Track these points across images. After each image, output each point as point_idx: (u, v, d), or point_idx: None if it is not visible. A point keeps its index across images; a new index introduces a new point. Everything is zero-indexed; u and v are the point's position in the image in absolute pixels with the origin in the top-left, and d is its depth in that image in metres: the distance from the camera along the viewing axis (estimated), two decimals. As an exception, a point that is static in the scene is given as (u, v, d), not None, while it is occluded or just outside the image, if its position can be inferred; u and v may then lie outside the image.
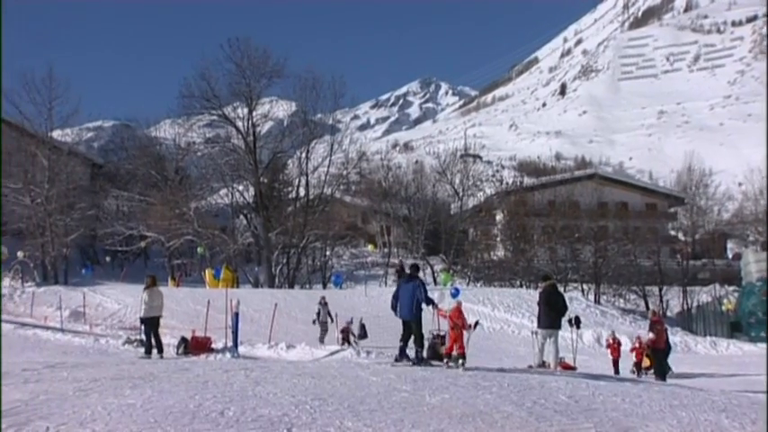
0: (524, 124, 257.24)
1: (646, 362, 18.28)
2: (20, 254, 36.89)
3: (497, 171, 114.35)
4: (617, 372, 17.84)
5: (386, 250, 62.65)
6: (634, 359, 18.84)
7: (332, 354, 16.74)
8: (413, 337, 13.78)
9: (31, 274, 37.37)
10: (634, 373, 18.18)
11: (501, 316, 30.22)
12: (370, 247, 61.70)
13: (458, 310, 13.72)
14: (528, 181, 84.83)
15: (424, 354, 14.24)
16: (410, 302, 13.70)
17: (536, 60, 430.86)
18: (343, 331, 20.18)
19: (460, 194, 59.21)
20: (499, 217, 61.71)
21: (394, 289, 14.75)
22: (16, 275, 34.63)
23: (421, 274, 15.16)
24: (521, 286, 46.15)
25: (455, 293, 28.54)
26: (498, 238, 59.53)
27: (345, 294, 30.81)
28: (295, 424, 6.56)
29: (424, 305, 13.66)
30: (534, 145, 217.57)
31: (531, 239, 55.24)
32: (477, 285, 48.07)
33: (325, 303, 22.00)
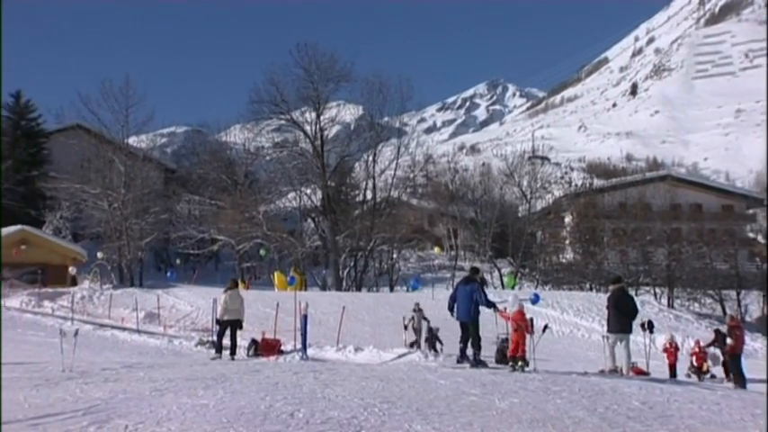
0: (594, 125, 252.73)
1: (705, 366, 17.87)
2: (99, 255, 38.05)
3: (566, 173, 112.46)
4: (672, 376, 17.37)
5: (453, 253, 62.34)
6: (694, 363, 18.32)
7: (399, 357, 16.71)
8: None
9: (108, 276, 38.51)
10: (690, 377, 17.69)
11: (570, 320, 29.70)
12: (436, 250, 61.47)
13: (520, 313, 13.58)
14: (598, 183, 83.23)
15: (485, 356, 14.12)
16: (468, 304, 13.67)
17: (606, 60, 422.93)
18: (428, 339, 20.05)
19: (528, 197, 58.48)
20: (568, 219, 60.74)
21: None
22: (95, 278, 35.70)
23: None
24: (590, 289, 45.31)
25: (535, 299, 28.19)
26: (567, 241, 58.60)
27: (413, 297, 30.70)
28: (364, 426, 6.56)
29: (482, 307, 13.62)
30: (604, 146, 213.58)
31: (600, 242, 54.17)
32: (545, 288, 47.39)
33: (420, 309, 21.63)
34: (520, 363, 12.91)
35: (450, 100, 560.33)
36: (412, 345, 19.66)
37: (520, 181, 60.05)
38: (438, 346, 19.69)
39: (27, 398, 8.27)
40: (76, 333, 13.27)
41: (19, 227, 39.48)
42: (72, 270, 34.85)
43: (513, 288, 37.56)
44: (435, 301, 30.39)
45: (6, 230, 38.89)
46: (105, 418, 6.86)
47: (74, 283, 34.87)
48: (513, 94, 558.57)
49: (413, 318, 21.13)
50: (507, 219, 60.33)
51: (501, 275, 51.81)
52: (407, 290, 40.89)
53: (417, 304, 22.20)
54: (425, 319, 21.11)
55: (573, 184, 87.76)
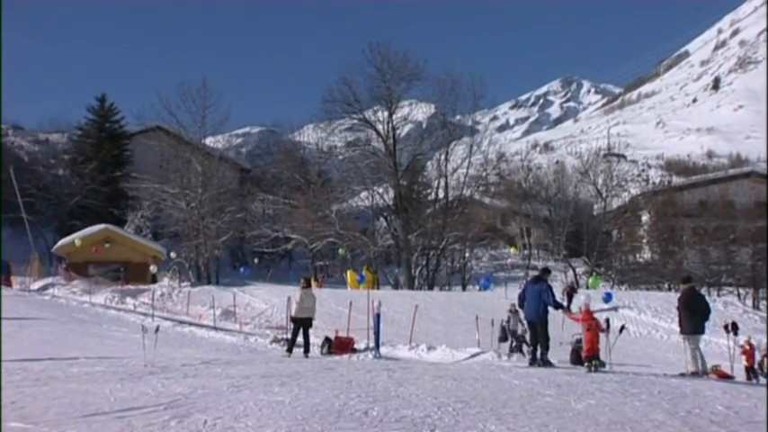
0: (672, 121, 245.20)
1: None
2: (172, 254, 39.05)
3: (643, 170, 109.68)
4: (749, 378, 16.73)
5: (526, 252, 61.66)
6: (744, 362, 17.67)
7: (472, 356, 16.61)
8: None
9: (186, 274, 39.49)
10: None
11: (648, 320, 28.95)
12: (512, 249, 60.94)
13: (588, 312, 13.38)
14: (677, 180, 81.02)
15: (561, 359, 13.98)
16: (537, 304, 13.64)
17: (686, 54, 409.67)
18: (516, 339, 19.75)
19: (604, 195, 57.32)
20: (645, 218, 59.32)
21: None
22: (174, 275, 36.64)
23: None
24: (669, 290, 44.12)
25: (608, 298, 27.64)
26: (644, 240, 57.24)
27: (485, 296, 30.53)
28: (438, 426, 6.56)
29: (551, 308, 13.55)
30: (683, 143, 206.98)
31: (680, 241, 52.73)
32: (621, 288, 46.39)
33: (516, 311, 20.75)
34: (594, 362, 12.70)
35: (523, 97, 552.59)
36: (512, 350, 18.88)
37: (595, 179, 58.93)
38: (525, 348, 19.32)
39: (112, 391, 8.57)
40: (157, 329, 13.66)
41: (103, 226, 40.90)
42: (153, 268, 35.88)
43: (596, 289, 36.87)
44: (508, 301, 30.11)
45: (91, 229, 40.35)
46: (185, 413, 7.06)
47: (154, 280, 35.89)
48: (588, 91, 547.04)
49: (509, 319, 20.51)
50: (582, 217, 59.33)
51: (576, 275, 50.97)
52: (479, 289, 40.65)
53: (513, 305, 21.36)
54: (522, 321, 20.35)
55: (650, 181, 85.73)
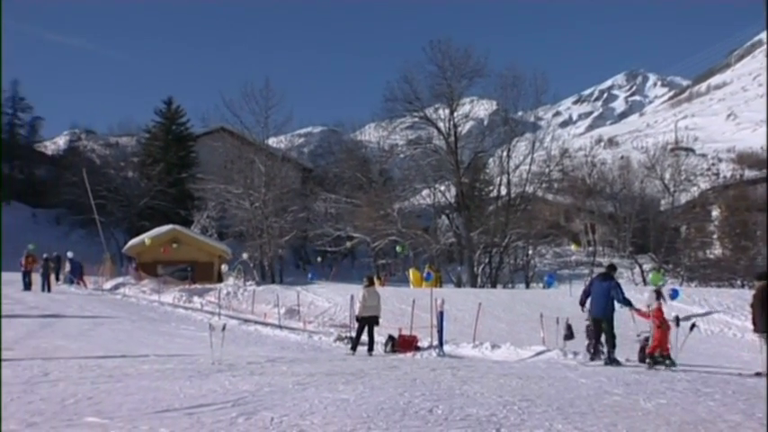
0: (744, 113, 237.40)
1: None
2: (244, 255, 39.68)
3: (713, 164, 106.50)
4: None
5: (590, 249, 60.67)
6: None
7: (537, 354, 16.43)
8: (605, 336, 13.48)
9: (251, 273, 40.04)
10: None
11: (720, 318, 28.12)
12: (573, 246, 59.99)
13: (659, 309, 13.09)
14: (749, 174, 78.55)
15: (631, 359, 13.70)
16: (604, 301, 13.45)
17: (760, 43, 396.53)
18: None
19: (671, 190, 55.97)
20: (716, 213, 57.69)
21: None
22: (239, 275, 37.23)
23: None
24: (742, 286, 42.74)
25: (674, 295, 26.93)
26: (715, 236, 55.68)
27: (549, 294, 30.11)
28: (503, 424, 6.50)
29: (617, 305, 13.35)
30: (756, 135, 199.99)
31: (753, 236, 51.08)
32: (690, 285, 45.19)
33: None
34: (667, 361, 12.43)
35: (586, 92, 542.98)
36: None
37: (662, 174, 57.61)
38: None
39: (182, 388, 8.76)
40: (224, 328, 13.92)
41: (170, 226, 41.84)
42: (224, 267, 36.54)
43: (657, 285, 35.99)
44: (573, 299, 29.62)
45: (159, 230, 41.34)
46: (252, 410, 7.17)
47: (220, 279, 36.53)
48: (654, 84, 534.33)
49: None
50: (648, 213, 58.08)
51: (642, 271, 49.93)
52: (543, 287, 40.16)
53: None
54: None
55: (721, 175, 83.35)
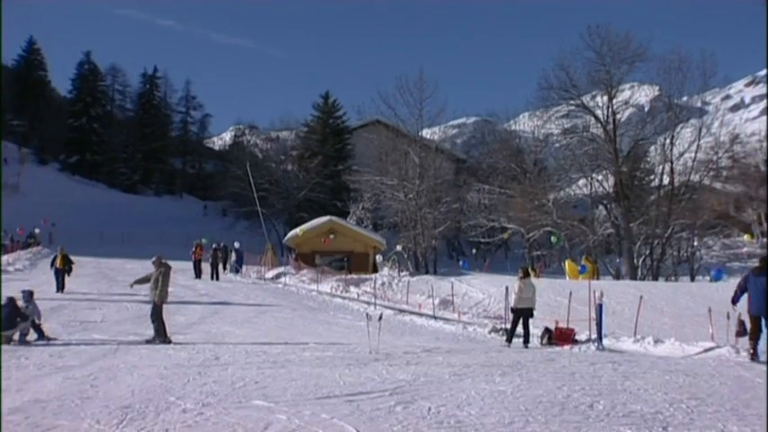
0: None
1: None
2: (399, 246, 40.28)
3: None
4: None
5: (764, 240, 56.73)
6: None
7: (706, 351, 15.54)
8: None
9: (405, 263, 40.58)
10: None
11: None
12: (746, 237, 56.26)
13: None
14: None
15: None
16: (764, 297, 12.51)
17: None
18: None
19: None
20: None
21: None
22: (393, 265, 37.80)
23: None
24: None
25: None
26: None
27: (717, 288, 28.40)
28: (670, 423, 6.21)
29: None
30: None
31: None
32: None
33: None
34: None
35: (761, 73, 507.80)
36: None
37: None
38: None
39: (341, 376, 9.01)
40: (381, 317, 14.17)
41: (328, 218, 43.21)
42: (378, 258, 37.27)
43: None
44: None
45: (317, 221, 42.80)
46: (410, 399, 7.25)
47: (375, 270, 37.24)
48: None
49: None
50: (831, 201, 53.55)
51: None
52: (710, 280, 37.98)
53: None
54: None
55: None
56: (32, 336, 13.75)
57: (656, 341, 16.78)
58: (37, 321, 14.07)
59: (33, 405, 7.47)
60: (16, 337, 13.46)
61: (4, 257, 38.41)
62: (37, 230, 49.97)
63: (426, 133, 53.03)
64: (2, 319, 13.18)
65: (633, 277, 40.19)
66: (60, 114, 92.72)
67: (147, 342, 13.70)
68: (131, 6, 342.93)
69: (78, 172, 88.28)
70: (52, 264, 25.12)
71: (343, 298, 28.02)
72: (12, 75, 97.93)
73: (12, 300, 13.75)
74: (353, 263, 39.02)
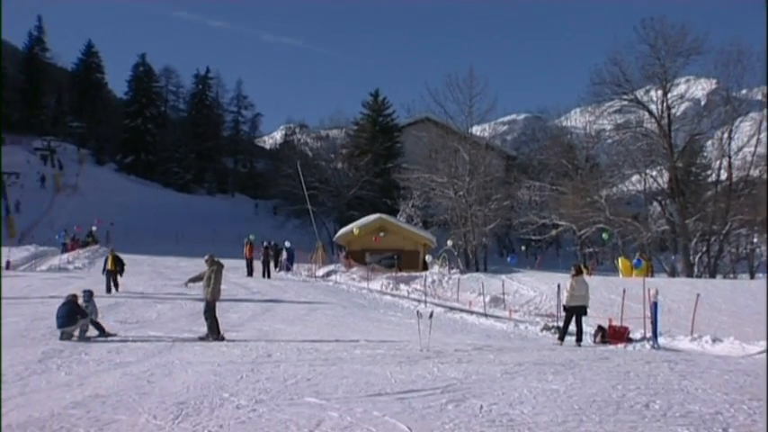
0: None
1: None
2: (449, 243, 40.14)
3: None
4: None
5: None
6: None
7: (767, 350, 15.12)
8: None
9: (455, 261, 40.42)
10: None
11: None
12: (808, 234, 54.53)
13: None
14: None
15: None
16: None
17: None
18: None
19: None
20: None
21: None
22: (443, 263, 37.67)
23: None
24: None
25: None
26: None
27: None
28: (731, 425, 6.04)
29: None
30: None
31: None
32: None
33: None
34: None
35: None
36: None
37: None
38: None
39: (392, 373, 9.01)
40: (431, 315, 14.12)
41: (377, 215, 43.25)
42: (428, 257, 37.22)
43: None
44: (807, 291, 26.99)
45: (367, 219, 42.87)
46: (461, 397, 7.20)
47: (425, 267, 37.15)
48: None
49: None
50: None
51: None
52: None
53: None
54: None
55: None
56: (92, 332, 14.14)
57: (714, 340, 16.39)
58: (95, 319, 14.48)
59: (94, 400, 7.68)
60: (76, 333, 13.85)
61: (65, 255, 39.65)
62: (94, 228, 51.16)
63: (476, 130, 52.76)
64: (62, 315, 13.63)
65: (689, 275, 39.39)
66: (117, 116, 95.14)
67: (201, 339, 13.91)
68: (184, 8, 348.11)
69: (134, 172, 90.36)
70: (104, 267, 24.72)
71: (394, 296, 28.01)
72: (71, 77, 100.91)
73: (73, 297, 14.18)
74: (403, 260, 38.98)
